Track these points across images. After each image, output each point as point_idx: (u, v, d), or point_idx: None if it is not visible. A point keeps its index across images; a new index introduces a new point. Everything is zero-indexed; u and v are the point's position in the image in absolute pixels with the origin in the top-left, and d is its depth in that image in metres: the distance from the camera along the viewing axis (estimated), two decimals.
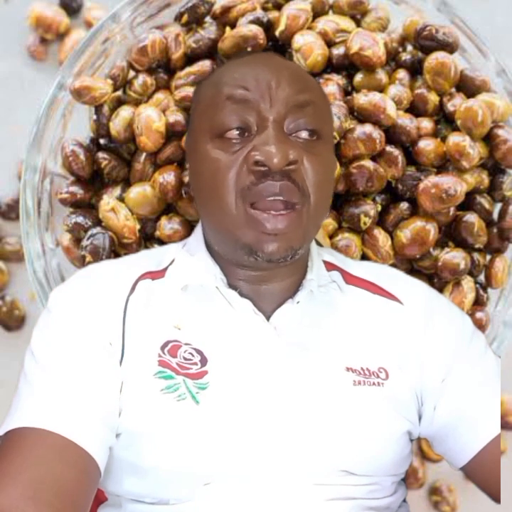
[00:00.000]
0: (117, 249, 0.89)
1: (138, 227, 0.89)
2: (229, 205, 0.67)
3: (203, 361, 0.66)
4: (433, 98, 0.90)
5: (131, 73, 0.92)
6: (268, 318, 0.70)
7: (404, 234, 0.88)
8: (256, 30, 0.88)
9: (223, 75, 0.73)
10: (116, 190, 0.91)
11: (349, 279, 0.76)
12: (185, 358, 0.67)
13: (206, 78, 0.79)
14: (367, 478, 0.67)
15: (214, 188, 0.68)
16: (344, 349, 0.70)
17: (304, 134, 0.69)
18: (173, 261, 0.74)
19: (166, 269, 0.73)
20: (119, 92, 0.93)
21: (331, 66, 0.92)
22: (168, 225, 0.88)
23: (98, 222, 0.89)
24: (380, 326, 0.73)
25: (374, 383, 0.68)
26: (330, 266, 0.77)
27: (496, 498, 0.68)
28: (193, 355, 0.67)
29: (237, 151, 0.67)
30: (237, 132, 0.68)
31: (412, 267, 0.92)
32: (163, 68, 0.93)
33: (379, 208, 0.89)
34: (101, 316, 0.67)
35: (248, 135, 0.68)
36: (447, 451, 0.72)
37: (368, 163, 0.87)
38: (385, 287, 0.76)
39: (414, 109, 0.91)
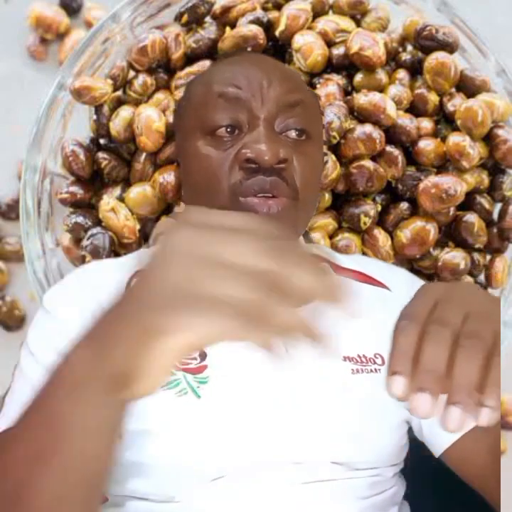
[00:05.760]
0: (117, 249, 0.89)
1: (138, 227, 0.89)
2: (222, 199, 0.67)
3: (203, 355, 0.66)
4: (433, 98, 0.90)
5: (131, 73, 0.92)
6: None
7: (404, 234, 0.88)
8: (256, 30, 0.88)
9: (215, 73, 0.74)
10: (116, 190, 0.91)
11: (337, 269, 0.76)
12: None
13: (197, 77, 0.80)
14: (370, 471, 0.66)
15: (207, 184, 0.69)
16: (340, 338, 0.70)
17: (294, 134, 0.70)
18: None
19: None
20: (119, 92, 0.93)
21: (331, 66, 0.92)
22: None
23: (98, 222, 0.89)
24: (371, 312, 0.73)
25: (372, 370, 0.68)
26: (318, 258, 0.77)
27: (482, 490, 0.65)
28: None
29: (228, 148, 0.68)
30: (228, 130, 0.69)
31: (412, 266, 0.92)
32: (163, 68, 0.93)
33: (379, 208, 0.90)
34: None
35: (239, 133, 0.69)
36: (427, 437, 0.71)
37: (368, 163, 0.87)
38: (373, 275, 0.77)
39: (414, 109, 0.91)
